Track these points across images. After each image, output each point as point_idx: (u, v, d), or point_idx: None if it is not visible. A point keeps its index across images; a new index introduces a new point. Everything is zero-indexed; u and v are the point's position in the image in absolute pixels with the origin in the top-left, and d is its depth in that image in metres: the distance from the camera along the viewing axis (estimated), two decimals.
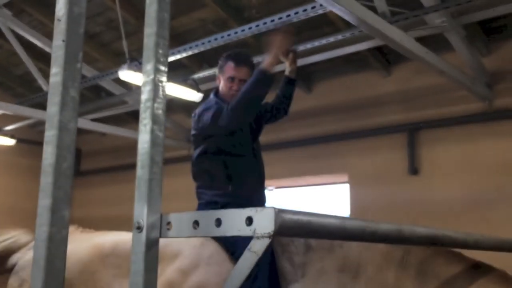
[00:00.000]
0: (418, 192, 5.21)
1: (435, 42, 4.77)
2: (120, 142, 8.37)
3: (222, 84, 3.05)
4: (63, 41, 1.32)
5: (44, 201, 1.24)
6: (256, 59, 4.80)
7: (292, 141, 6.33)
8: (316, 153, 6.16)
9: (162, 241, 2.92)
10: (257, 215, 1.29)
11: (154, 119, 1.49)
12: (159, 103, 1.50)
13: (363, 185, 5.69)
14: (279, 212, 1.27)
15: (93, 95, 7.41)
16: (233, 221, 1.34)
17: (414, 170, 5.32)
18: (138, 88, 5.70)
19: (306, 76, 6.27)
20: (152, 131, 1.48)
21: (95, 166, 8.99)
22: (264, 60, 2.80)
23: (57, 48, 1.34)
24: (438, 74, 4.51)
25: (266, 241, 1.29)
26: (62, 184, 1.26)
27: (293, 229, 1.33)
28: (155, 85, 1.50)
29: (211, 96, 3.13)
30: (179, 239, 2.85)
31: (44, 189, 1.25)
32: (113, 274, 2.76)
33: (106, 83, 6.40)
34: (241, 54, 3.09)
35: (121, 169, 8.26)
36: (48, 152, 1.27)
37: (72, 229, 3.30)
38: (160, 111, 1.51)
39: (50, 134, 1.28)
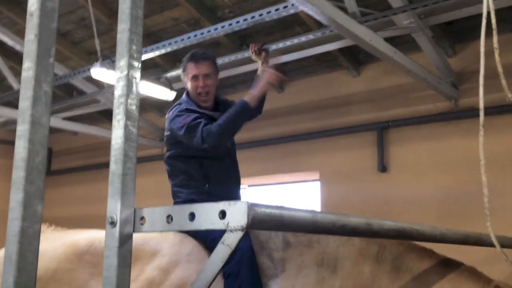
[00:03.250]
0: (387, 189, 5.32)
1: (403, 43, 4.88)
2: (92, 141, 8.28)
3: (189, 86, 3.07)
4: (36, 35, 1.32)
5: (16, 196, 1.24)
6: (229, 58, 4.85)
7: (265, 139, 6.38)
8: (288, 151, 6.22)
9: (140, 240, 2.93)
10: (230, 209, 1.32)
11: (128, 115, 1.50)
12: (133, 99, 1.51)
13: (333, 183, 5.77)
14: (251, 205, 1.30)
15: (65, 94, 7.31)
16: (207, 215, 1.36)
17: (383, 167, 5.43)
18: (110, 86, 5.65)
19: None
20: (126, 127, 1.49)
21: (66, 166, 8.86)
22: (250, 92, 2.87)
23: (29, 43, 1.33)
24: (406, 74, 4.61)
25: (239, 234, 1.31)
26: (34, 178, 1.26)
27: (266, 223, 1.36)
28: (129, 81, 1.51)
29: (184, 96, 3.14)
30: (158, 238, 2.85)
31: (16, 184, 1.25)
32: (90, 272, 2.73)
33: (78, 82, 6.33)
34: (197, 52, 3.10)
35: (93, 168, 8.17)
36: (20, 147, 1.27)
37: (43, 227, 3.25)
38: (133, 107, 1.51)
39: (22, 129, 1.28)
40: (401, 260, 2.39)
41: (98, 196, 7.58)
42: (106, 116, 7.74)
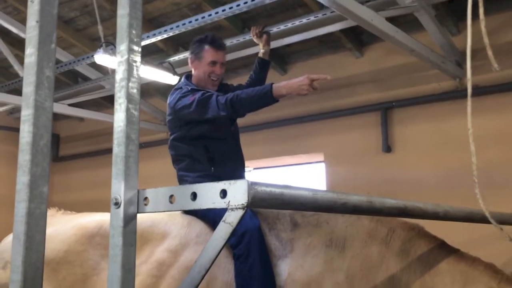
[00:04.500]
0: (392, 170, 5.33)
1: (406, 22, 4.85)
2: (98, 127, 8.33)
3: (200, 70, 3.04)
4: (37, 22, 1.34)
5: (23, 178, 1.27)
6: (230, 41, 4.85)
7: (269, 122, 6.39)
8: (292, 133, 6.23)
9: (149, 222, 2.97)
10: (231, 188, 1.35)
11: (129, 98, 1.52)
12: (134, 82, 1.54)
13: (338, 164, 5.79)
14: (252, 184, 1.33)
15: (70, 81, 7.35)
16: (208, 194, 1.39)
17: (387, 148, 5.43)
18: (114, 72, 5.66)
19: (281, 58, 6.31)
20: (128, 110, 1.52)
21: (73, 151, 8.94)
22: (281, 85, 2.70)
23: (31, 29, 1.36)
24: (409, 54, 4.59)
25: (240, 213, 1.35)
26: (39, 161, 1.30)
27: (266, 201, 1.39)
28: (129, 65, 1.53)
29: (183, 80, 3.13)
30: (166, 220, 2.89)
31: (22, 167, 1.28)
32: (100, 254, 2.78)
33: (83, 68, 6.35)
34: (215, 37, 3.08)
35: (100, 153, 8.23)
36: (25, 131, 1.30)
37: (52, 211, 3.31)
38: (135, 90, 1.54)
39: (26, 114, 1.31)
40: (410, 245, 2.39)
41: (105, 181, 7.61)
42: (111, 101, 7.77)
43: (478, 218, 2.62)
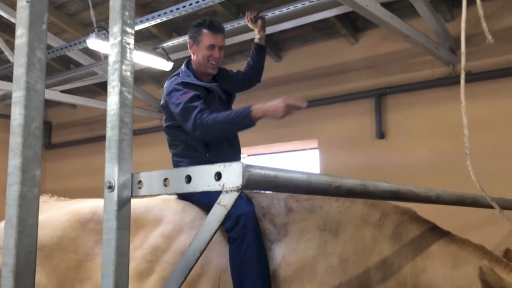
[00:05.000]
0: (385, 156, 5.35)
1: (401, 8, 4.84)
2: (91, 114, 8.29)
3: (198, 54, 3.02)
4: (28, 1, 1.32)
5: (14, 161, 1.26)
6: (225, 26, 4.81)
7: None
8: (287, 120, 6.11)
9: (143, 208, 2.97)
10: (226, 170, 1.34)
11: (123, 81, 1.51)
12: (127, 65, 1.52)
13: (332, 151, 5.80)
14: (246, 167, 1.33)
15: (62, 67, 7.28)
16: (203, 177, 1.38)
17: (381, 134, 5.44)
18: (106, 57, 5.62)
19: (275, 45, 6.29)
20: (121, 93, 1.50)
21: (66, 139, 8.89)
22: (259, 107, 2.70)
23: (21, 9, 1.33)
24: (404, 40, 4.58)
25: (235, 195, 1.34)
26: (31, 144, 1.28)
27: (261, 183, 1.38)
28: (123, 47, 1.51)
29: (183, 67, 3.11)
30: (161, 206, 2.89)
31: (14, 149, 1.27)
32: (95, 240, 2.78)
33: (75, 54, 6.29)
34: (214, 21, 3.07)
35: (93, 141, 8.20)
36: (17, 113, 1.29)
37: (45, 198, 3.30)
38: (128, 73, 1.53)
39: (17, 95, 1.29)
40: (402, 228, 2.42)
41: (98, 168, 7.61)
42: (103, 88, 7.73)
43: (469, 202, 2.64)
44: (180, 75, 2.99)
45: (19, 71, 1.30)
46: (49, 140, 9.08)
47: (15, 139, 1.27)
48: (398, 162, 5.18)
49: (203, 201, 2.71)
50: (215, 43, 2.98)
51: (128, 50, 1.52)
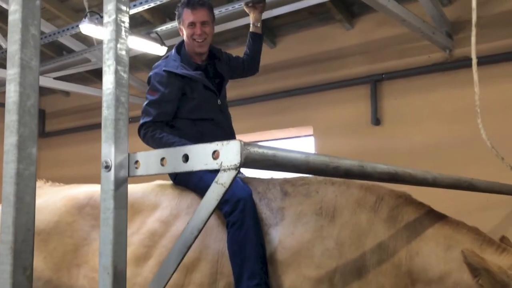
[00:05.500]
0: (381, 142, 5.35)
1: None
2: (84, 102, 8.24)
3: (185, 35, 3.01)
4: None
5: (11, 139, 1.24)
6: (219, 11, 4.76)
7: (258, 96, 6.36)
8: (281, 107, 6.21)
9: (140, 193, 2.97)
10: (224, 149, 1.33)
11: (118, 60, 1.49)
12: (122, 43, 1.50)
13: (327, 137, 5.80)
14: (245, 145, 1.32)
15: (54, 54, 7.22)
16: (200, 155, 1.37)
17: (376, 120, 5.44)
18: (100, 43, 5.57)
19: (270, 31, 6.25)
20: (116, 72, 1.48)
21: (60, 127, 8.85)
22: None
23: None
24: (400, 25, 4.57)
25: (233, 173, 1.33)
26: (27, 122, 1.27)
27: (259, 162, 1.37)
28: (117, 25, 1.49)
29: (173, 50, 3.09)
30: (157, 191, 2.89)
31: (10, 127, 1.25)
32: (91, 224, 2.79)
33: (67, 41, 6.23)
34: None
35: (87, 129, 8.16)
36: (11, 91, 1.27)
37: (40, 183, 3.29)
38: (123, 52, 1.51)
39: (12, 73, 1.27)
40: (397, 211, 2.43)
41: (93, 156, 7.61)
42: (97, 76, 7.68)
43: (465, 186, 2.66)
44: (168, 60, 2.99)
45: (13, 48, 1.28)
46: (43, 129, 9.03)
47: (11, 117, 1.25)
48: (394, 149, 5.18)
49: (200, 185, 2.71)
50: (194, 19, 2.94)
51: (123, 29, 1.50)
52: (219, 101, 3.03)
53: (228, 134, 3.05)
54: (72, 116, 8.71)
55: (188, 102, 2.93)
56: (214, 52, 3.15)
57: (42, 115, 9.04)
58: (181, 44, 3.10)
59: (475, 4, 2.18)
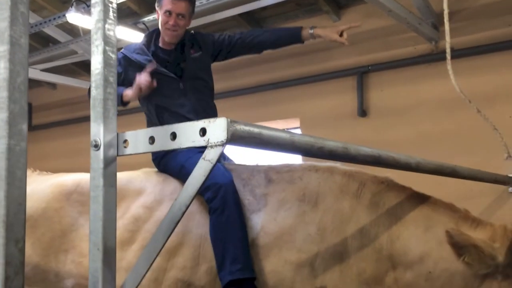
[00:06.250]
0: (367, 134, 5.39)
1: None
2: (71, 94, 8.20)
3: (159, 19, 3.01)
4: None
5: (1, 115, 1.26)
6: (200, 2, 4.77)
7: (245, 88, 6.38)
8: (268, 99, 6.24)
9: (124, 180, 3.00)
10: (211, 126, 1.36)
11: (106, 40, 1.51)
12: (110, 24, 1.53)
13: (314, 129, 5.83)
14: (231, 122, 1.35)
15: (40, 45, 7.17)
16: (188, 133, 1.41)
17: (363, 112, 5.49)
18: (86, 34, 5.55)
19: (256, 22, 6.26)
20: (105, 52, 1.51)
21: (47, 120, 8.79)
22: (127, 92, 2.87)
23: None
24: (386, 17, 4.61)
25: (219, 149, 1.37)
26: (17, 98, 1.29)
27: (245, 139, 1.41)
28: (105, 6, 1.52)
29: (144, 35, 3.16)
30: (142, 177, 2.93)
31: (0, 104, 1.27)
32: (78, 211, 2.82)
33: (54, 32, 6.20)
34: None
35: (74, 122, 8.12)
36: (1, 67, 1.29)
37: (28, 172, 3.29)
38: (111, 32, 1.53)
39: (1, 50, 1.29)
40: (379, 197, 2.47)
41: (81, 149, 7.60)
42: (84, 68, 7.64)
43: (448, 172, 2.71)
44: (134, 45, 3.08)
45: (2, 25, 1.30)
46: (30, 122, 8.97)
47: (1, 94, 1.27)
48: (380, 140, 5.23)
49: (183, 172, 2.73)
50: (172, 9, 2.92)
51: (111, 9, 1.53)
52: (181, 85, 3.00)
53: (191, 116, 2.96)
54: (59, 109, 8.66)
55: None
56: (196, 38, 3.12)
57: (28, 109, 8.97)
58: (154, 29, 3.17)
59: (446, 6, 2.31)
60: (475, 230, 2.25)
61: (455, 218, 2.33)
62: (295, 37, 3.13)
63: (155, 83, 2.79)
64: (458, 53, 4.95)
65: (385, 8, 4.27)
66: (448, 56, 2.32)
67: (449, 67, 2.32)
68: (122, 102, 2.88)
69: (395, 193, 2.49)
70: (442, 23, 5.16)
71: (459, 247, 2.12)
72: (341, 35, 3.04)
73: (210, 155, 1.38)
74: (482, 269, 2.12)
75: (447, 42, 2.28)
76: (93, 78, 1.52)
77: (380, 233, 2.37)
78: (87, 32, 5.33)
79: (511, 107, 4.71)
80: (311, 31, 3.05)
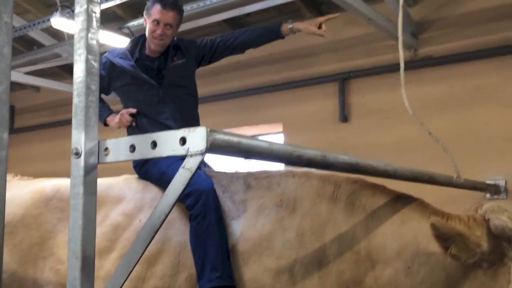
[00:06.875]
0: (348, 139, 5.46)
1: None
2: (54, 97, 8.13)
3: (147, 27, 3.01)
4: None
5: None
6: (191, 6, 4.80)
7: (227, 93, 6.41)
8: (251, 104, 6.28)
9: (104, 186, 2.98)
10: (191, 135, 1.39)
11: (89, 49, 1.54)
12: (93, 33, 1.55)
13: (296, 134, 5.88)
14: (210, 131, 1.38)
15: (25, 49, 7.11)
16: (168, 142, 1.44)
17: (344, 117, 5.56)
18: (71, 38, 5.53)
19: (241, 27, 6.28)
20: (87, 61, 1.53)
21: (29, 123, 8.71)
22: (108, 118, 3.06)
23: None
24: (367, 23, 4.68)
25: (199, 158, 1.40)
26: None
27: (224, 148, 1.44)
28: (88, 15, 1.54)
29: (130, 40, 3.19)
30: (122, 185, 2.91)
31: None
32: (57, 217, 2.79)
33: (38, 35, 6.16)
34: None
35: (57, 125, 8.05)
36: None
37: (9, 177, 3.28)
38: (94, 42, 1.55)
39: None
40: (354, 197, 2.49)
41: (63, 153, 7.51)
42: (68, 71, 7.60)
43: (426, 179, 2.76)
44: (118, 50, 3.13)
45: None
46: (12, 125, 8.87)
47: None
48: (360, 145, 5.30)
49: (164, 179, 2.70)
50: (160, 18, 2.92)
51: (94, 18, 1.55)
52: (160, 92, 3.00)
53: (170, 124, 2.96)
54: (42, 112, 8.59)
55: (125, 93, 3.07)
56: (179, 45, 3.12)
57: (11, 111, 8.89)
58: (141, 35, 3.17)
59: (401, 19, 2.49)
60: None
61: (426, 212, 2.36)
62: (275, 33, 3.18)
63: (134, 124, 2.99)
64: (438, 61, 5.07)
65: (365, 17, 4.35)
66: (402, 68, 2.50)
67: (402, 77, 2.49)
68: (104, 123, 3.08)
69: (369, 191, 2.52)
70: (421, 32, 5.31)
71: (445, 239, 2.10)
72: (320, 27, 3.10)
73: (190, 164, 1.41)
74: (470, 258, 2.11)
75: (400, 56, 2.46)
76: (75, 86, 1.54)
77: (358, 233, 2.39)
78: (72, 36, 5.31)
79: (487, 113, 4.81)
80: (290, 26, 3.12)
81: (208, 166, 3.11)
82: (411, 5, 5.26)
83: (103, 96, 3.23)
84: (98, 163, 1.55)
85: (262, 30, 3.24)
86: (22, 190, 2.99)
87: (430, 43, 5.17)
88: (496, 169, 4.64)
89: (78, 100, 1.52)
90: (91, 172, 1.52)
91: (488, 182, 4.43)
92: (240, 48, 3.24)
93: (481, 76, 4.88)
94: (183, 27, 5.18)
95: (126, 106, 3.08)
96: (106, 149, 1.54)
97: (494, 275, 2.13)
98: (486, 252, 2.13)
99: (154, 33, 2.95)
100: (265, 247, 2.43)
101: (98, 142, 1.54)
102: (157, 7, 2.94)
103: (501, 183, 4.60)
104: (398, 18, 4.87)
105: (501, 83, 4.79)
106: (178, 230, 2.60)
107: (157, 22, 2.93)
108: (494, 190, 4.52)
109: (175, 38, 3.14)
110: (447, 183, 3.10)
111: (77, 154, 1.50)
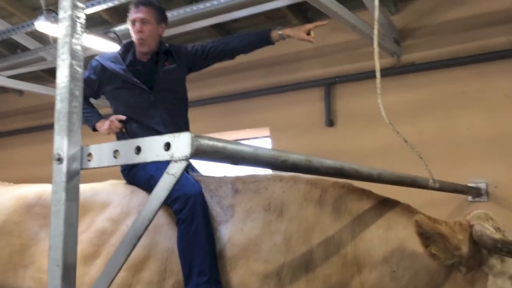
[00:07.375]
0: (334, 143, 5.50)
1: (350, 1, 4.98)
2: (38, 101, 8.05)
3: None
4: None
5: None
6: (178, 12, 4.79)
7: (215, 97, 6.42)
8: (238, 108, 6.29)
9: (90, 192, 2.96)
10: (175, 140, 1.39)
11: (73, 55, 1.53)
12: (77, 38, 1.55)
13: (283, 138, 5.91)
14: (195, 137, 1.38)
15: (9, 52, 7.04)
16: (152, 147, 1.43)
17: (330, 122, 5.60)
18: (56, 42, 5.48)
19: (228, 33, 6.31)
20: (71, 66, 1.53)
21: (12, 127, 8.61)
22: (97, 123, 3.08)
23: None
24: (351, 31, 4.72)
25: (183, 164, 1.40)
26: None
27: (209, 153, 1.44)
28: (73, 21, 1.54)
29: (122, 44, 3.20)
30: (108, 190, 2.89)
31: None
32: (39, 224, 2.75)
33: (22, 39, 6.09)
34: None
35: (40, 129, 7.98)
36: None
37: None
38: (78, 47, 1.55)
39: None
40: (341, 201, 2.52)
41: (46, 158, 7.42)
42: (52, 75, 7.53)
43: (409, 182, 2.80)
44: (113, 52, 3.16)
45: None
46: None
47: None
48: (346, 149, 5.34)
49: (151, 183, 2.69)
50: (135, 17, 2.98)
51: (78, 24, 1.55)
52: (151, 97, 3.00)
53: (160, 129, 2.96)
54: (25, 116, 8.50)
55: (116, 96, 3.06)
56: (170, 50, 3.14)
57: None
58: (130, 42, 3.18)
59: (376, 29, 2.58)
60: None
61: (413, 217, 2.39)
62: (265, 39, 3.22)
63: (124, 130, 2.99)
64: (421, 67, 5.13)
65: (349, 24, 4.39)
66: (378, 77, 2.63)
67: (378, 85, 2.61)
68: (93, 128, 3.09)
69: (355, 196, 2.55)
70: (404, 39, 5.38)
71: (426, 237, 2.14)
72: (308, 34, 3.16)
73: (174, 169, 1.41)
74: (448, 259, 2.14)
75: (376, 66, 2.58)
76: (58, 91, 1.53)
77: (344, 237, 2.42)
78: (57, 40, 5.27)
79: (469, 119, 4.88)
80: (280, 32, 3.17)
81: (196, 171, 3.11)
82: (394, 13, 5.33)
83: (92, 100, 3.23)
84: (81, 168, 1.54)
85: (252, 36, 3.27)
86: (3, 196, 2.95)
87: (413, 50, 5.24)
88: (477, 173, 4.71)
89: (61, 106, 1.51)
90: (73, 178, 1.51)
91: (469, 185, 4.49)
92: (231, 54, 3.27)
93: (462, 82, 4.96)
94: (171, 31, 5.20)
95: (116, 110, 3.06)
96: (89, 154, 1.53)
97: (472, 280, 2.16)
98: (465, 256, 2.15)
99: (135, 33, 2.99)
100: (253, 251, 2.44)
101: (81, 147, 1.53)
102: (132, 8, 3.02)
103: (483, 186, 4.66)
104: (382, 26, 4.96)
105: (481, 89, 4.87)
106: (166, 236, 2.59)
107: (133, 21, 2.99)
108: (476, 193, 4.58)
109: (166, 44, 3.15)
110: (430, 186, 3.14)
111: (59, 160, 1.50)
